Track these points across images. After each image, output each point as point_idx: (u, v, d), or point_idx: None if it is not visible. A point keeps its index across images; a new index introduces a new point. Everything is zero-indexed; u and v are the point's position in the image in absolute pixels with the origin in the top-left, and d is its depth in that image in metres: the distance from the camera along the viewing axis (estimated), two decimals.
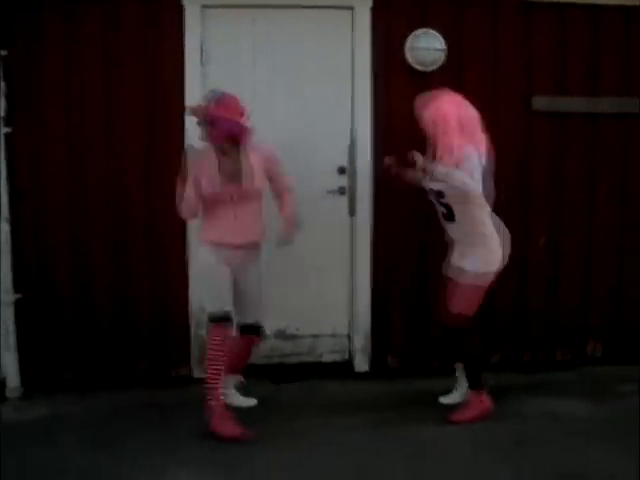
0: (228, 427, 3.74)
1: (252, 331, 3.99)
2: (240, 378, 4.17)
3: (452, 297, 3.93)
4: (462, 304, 3.89)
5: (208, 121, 3.67)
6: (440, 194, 3.86)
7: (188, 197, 3.69)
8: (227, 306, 3.77)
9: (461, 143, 3.77)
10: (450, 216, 3.91)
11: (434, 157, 3.86)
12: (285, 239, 3.84)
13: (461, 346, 4.00)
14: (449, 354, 4.19)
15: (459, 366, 4.18)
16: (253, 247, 3.87)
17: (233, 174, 3.73)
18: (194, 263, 4.00)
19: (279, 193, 3.92)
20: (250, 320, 3.96)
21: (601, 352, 4.91)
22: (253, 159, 3.77)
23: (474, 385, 4.01)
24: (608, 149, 4.74)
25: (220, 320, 3.74)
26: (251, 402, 4.17)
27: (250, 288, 3.91)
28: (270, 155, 3.83)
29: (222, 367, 3.74)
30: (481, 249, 3.86)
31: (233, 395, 4.14)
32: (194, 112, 3.74)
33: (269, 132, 4.43)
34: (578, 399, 4.28)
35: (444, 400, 4.19)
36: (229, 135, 3.70)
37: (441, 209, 3.95)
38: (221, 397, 3.79)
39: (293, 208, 3.88)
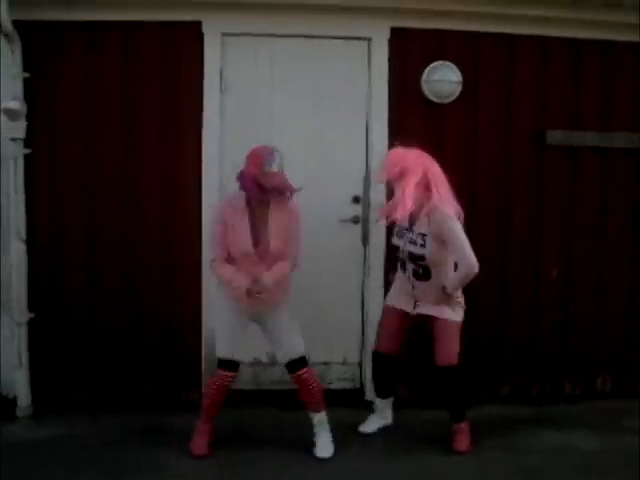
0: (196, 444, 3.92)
1: (296, 366, 3.87)
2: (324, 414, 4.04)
3: (442, 346, 3.96)
4: (451, 350, 3.95)
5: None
6: (421, 257, 3.86)
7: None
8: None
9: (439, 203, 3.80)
10: (426, 274, 3.91)
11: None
12: (255, 289, 3.72)
13: (457, 384, 4.01)
14: (445, 394, 4.09)
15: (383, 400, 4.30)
16: (276, 302, 3.84)
17: (260, 232, 3.72)
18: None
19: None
20: (284, 359, 3.88)
21: (610, 386, 4.91)
22: (279, 215, 3.73)
23: (463, 417, 4.06)
24: (621, 183, 4.77)
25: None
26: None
27: (280, 327, 3.86)
28: (293, 212, 3.76)
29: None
30: (451, 300, 3.94)
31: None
32: None
33: (286, 159, 4.49)
34: (587, 433, 4.29)
35: (363, 429, 4.26)
36: (247, 190, 3.67)
37: (414, 268, 3.93)
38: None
39: (278, 275, 3.73)
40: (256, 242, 3.72)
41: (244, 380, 4.67)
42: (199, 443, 3.91)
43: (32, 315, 4.45)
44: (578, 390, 4.88)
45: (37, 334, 4.48)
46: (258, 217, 3.73)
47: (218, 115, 4.46)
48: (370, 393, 4.59)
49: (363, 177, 4.63)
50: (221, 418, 4.01)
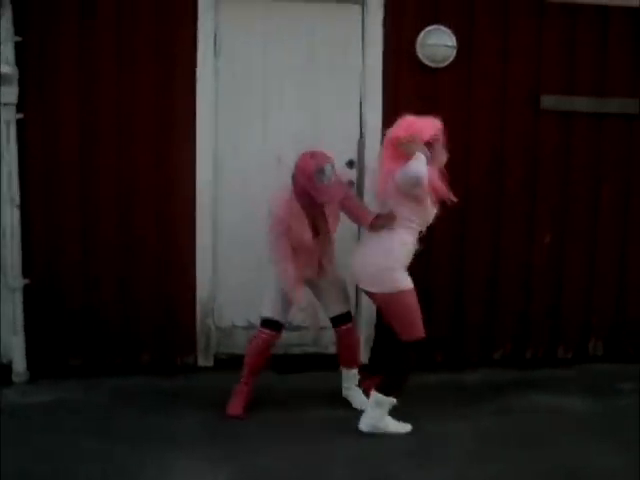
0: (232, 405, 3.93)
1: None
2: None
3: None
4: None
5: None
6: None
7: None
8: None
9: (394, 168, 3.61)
10: None
11: None
12: None
13: (409, 360, 3.73)
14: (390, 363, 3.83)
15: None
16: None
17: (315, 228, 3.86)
18: None
19: None
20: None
21: (602, 350, 4.96)
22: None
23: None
24: (614, 148, 4.78)
25: None
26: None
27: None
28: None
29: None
30: None
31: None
32: None
33: (280, 123, 4.55)
34: (579, 396, 4.32)
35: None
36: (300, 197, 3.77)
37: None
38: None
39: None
40: (316, 233, 3.85)
41: (240, 345, 4.71)
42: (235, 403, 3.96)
43: (27, 281, 4.44)
44: (570, 354, 4.92)
45: (32, 300, 4.47)
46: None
47: (212, 78, 4.45)
48: (364, 356, 4.60)
49: (357, 141, 4.63)
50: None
